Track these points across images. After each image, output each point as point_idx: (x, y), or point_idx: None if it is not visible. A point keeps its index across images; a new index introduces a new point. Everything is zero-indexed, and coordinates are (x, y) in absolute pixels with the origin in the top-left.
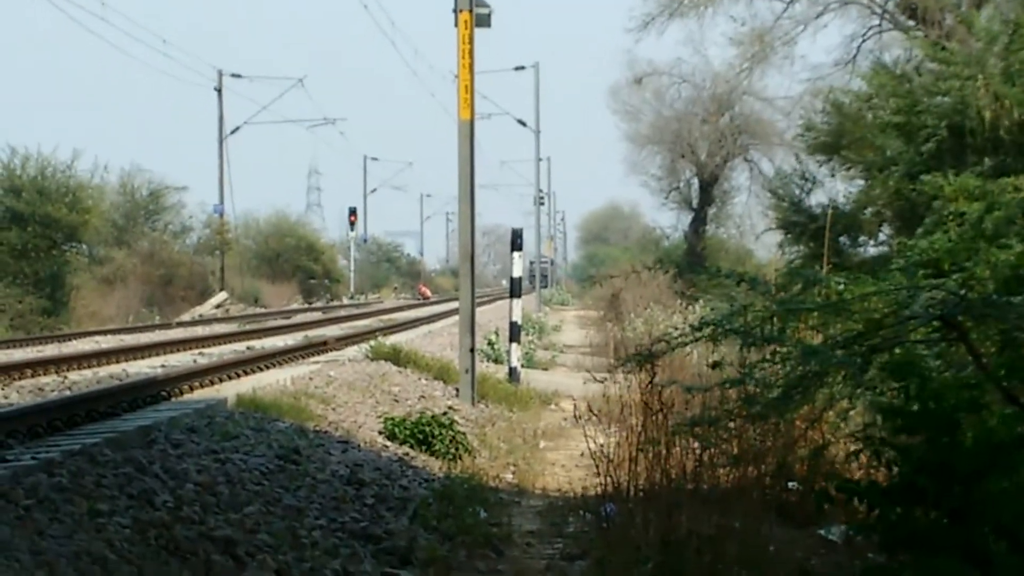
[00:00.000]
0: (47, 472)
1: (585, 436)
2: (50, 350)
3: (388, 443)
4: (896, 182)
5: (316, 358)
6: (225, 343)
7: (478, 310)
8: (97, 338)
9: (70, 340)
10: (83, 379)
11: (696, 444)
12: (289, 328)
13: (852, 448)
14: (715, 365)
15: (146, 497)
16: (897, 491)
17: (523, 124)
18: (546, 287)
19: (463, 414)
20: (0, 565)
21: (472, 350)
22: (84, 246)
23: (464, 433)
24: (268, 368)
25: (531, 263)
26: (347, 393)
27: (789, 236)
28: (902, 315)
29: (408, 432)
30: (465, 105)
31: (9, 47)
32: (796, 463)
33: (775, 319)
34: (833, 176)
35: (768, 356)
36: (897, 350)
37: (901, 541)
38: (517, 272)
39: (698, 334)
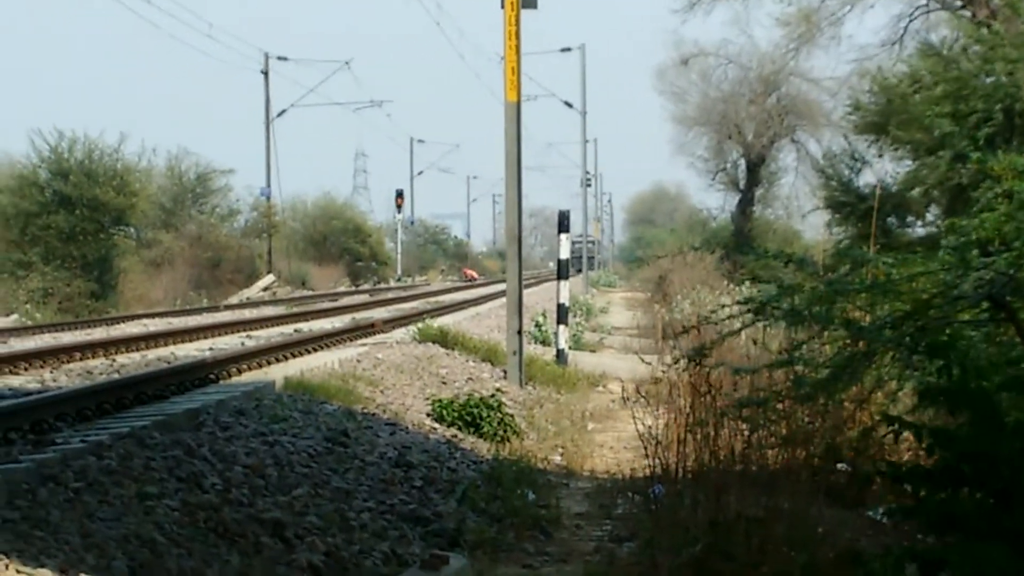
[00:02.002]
0: (96, 455)
1: (633, 418)
2: (98, 333)
3: (436, 425)
4: (945, 163)
5: (363, 340)
6: (273, 326)
7: (525, 292)
8: (145, 321)
9: (118, 323)
10: (131, 362)
11: (744, 425)
12: (336, 310)
13: (893, 430)
14: (762, 345)
15: (195, 480)
16: (940, 474)
17: (569, 106)
18: (592, 269)
19: (511, 396)
20: (51, 548)
21: (519, 332)
22: (132, 229)
23: (512, 415)
24: (316, 351)
25: (574, 243)
26: (395, 375)
27: (837, 216)
28: (950, 295)
29: (456, 414)
30: (512, 87)
31: (57, 32)
32: (844, 444)
33: (823, 300)
34: (881, 156)
35: (815, 336)
36: (946, 331)
37: (945, 524)
38: (564, 254)
39: (744, 307)
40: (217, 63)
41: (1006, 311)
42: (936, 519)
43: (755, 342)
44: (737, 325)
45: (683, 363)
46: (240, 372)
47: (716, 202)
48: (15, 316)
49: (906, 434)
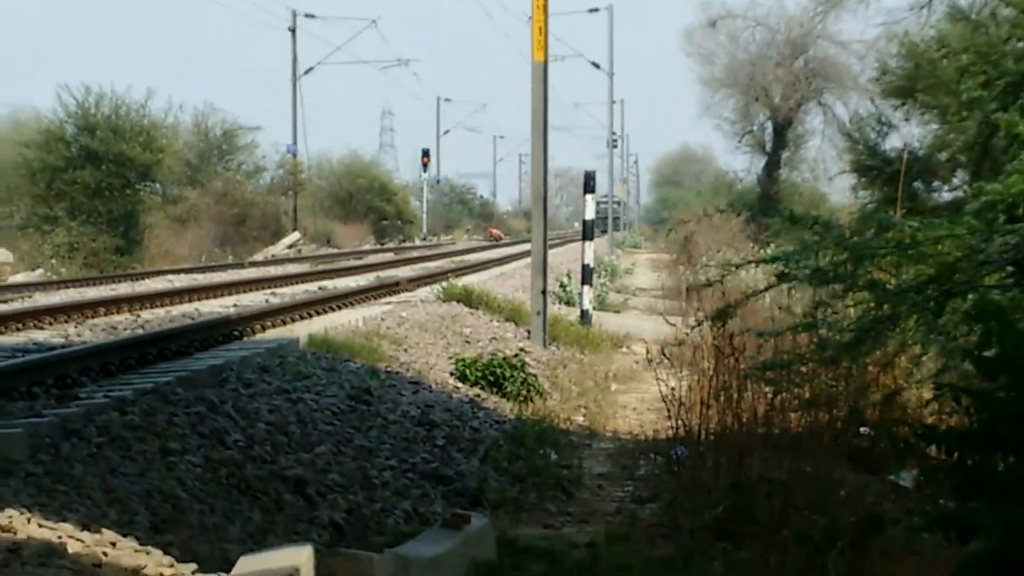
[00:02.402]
0: (119, 410)
1: (657, 379)
2: (123, 289)
3: (459, 384)
4: (974, 128)
5: (388, 299)
6: (297, 283)
7: (550, 252)
8: (170, 277)
9: (143, 279)
10: (155, 318)
11: (768, 388)
12: (361, 269)
13: (927, 394)
14: (786, 308)
15: (217, 436)
16: (975, 437)
17: (596, 66)
18: (618, 230)
19: (534, 356)
20: (73, 502)
21: (544, 292)
22: (158, 185)
23: (535, 375)
24: (340, 308)
25: (599, 203)
26: (419, 334)
27: (863, 180)
28: (976, 259)
29: (479, 374)
30: (539, 47)
31: None
32: (868, 408)
33: (847, 261)
34: (908, 120)
35: (839, 298)
36: (970, 295)
37: (977, 488)
38: (589, 214)
39: (771, 280)
40: (245, 20)
41: None
42: (969, 483)
43: (780, 308)
44: (762, 286)
45: (707, 324)
46: (264, 329)
47: (742, 164)
48: (40, 271)
49: (929, 398)
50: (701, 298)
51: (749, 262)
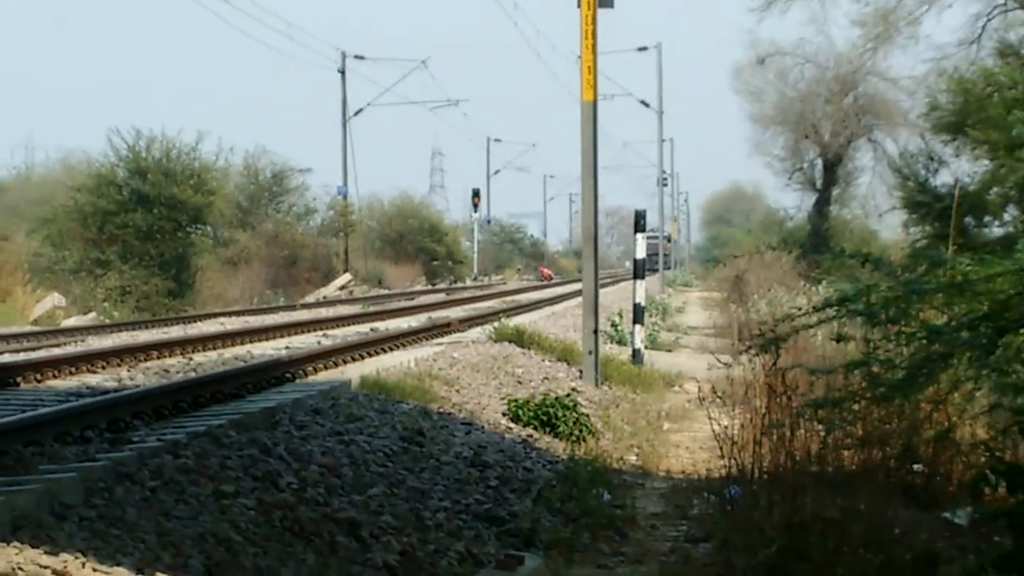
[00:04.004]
0: (173, 454)
1: (709, 418)
2: (175, 331)
3: (512, 425)
4: None
5: (439, 339)
6: (349, 325)
7: (601, 291)
8: (222, 319)
9: (195, 322)
10: (208, 360)
11: (820, 426)
12: (412, 310)
13: (981, 431)
14: (839, 339)
15: (271, 479)
16: None
17: (646, 105)
18: (669, 268)
19: (587, 396)
20: (127, 546)
21: (596, 331)
22: (209, 228)
23: (588, 415)
24: (392, 350)
25: (649, 241)
26: (471, 375)
27: (914, 216)
28: None
29: (532, 414)
30: (588, 86)
31: (134, 32)
32: (921, 445)
33: (899, 300)
34: (958, 156)
35: (892, 336)
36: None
37: None
38: (640, 253)
39: (821, 315)
40: (295, 63)
41: None
42: None
43: (832, 337)
44: (813, 329)
45: (758, 360)
46: (316, 371)
47: (792, 201)
48: (93, 314)
49: (983, 435)
50: (753, 339)
51: (803, 314)
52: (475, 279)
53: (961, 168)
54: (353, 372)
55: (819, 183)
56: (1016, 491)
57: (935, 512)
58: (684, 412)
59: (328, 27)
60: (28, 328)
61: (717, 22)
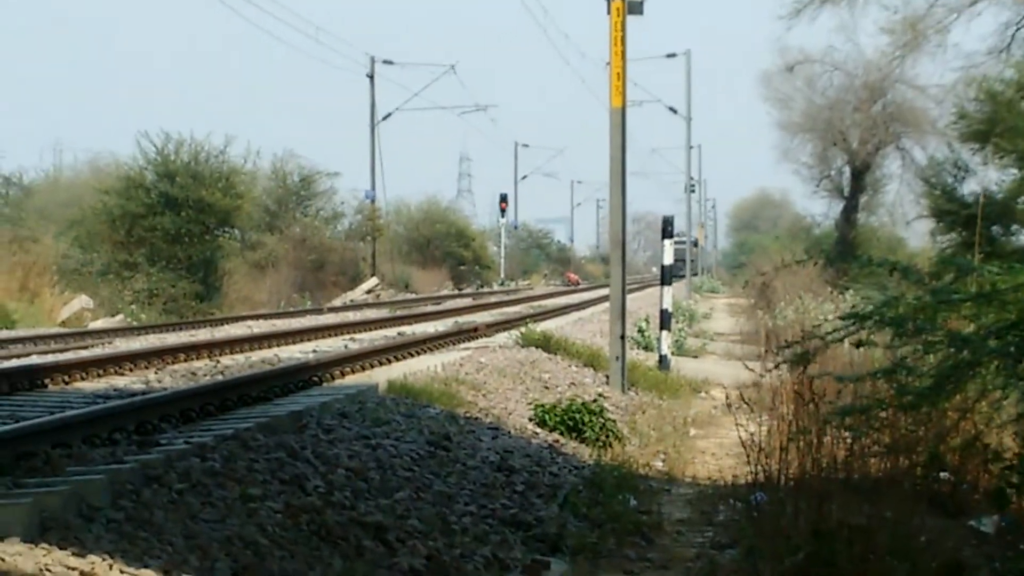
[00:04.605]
0: (200, 456)
1: (736, 424)
2: (203, 334)
3: (538, 430)
4: None
5: (466, 344)
6: (376, 329)
7: (628, 297)
8: (249, 323)
9: (222, 325)
10: (235, 364)
11: (847, 433)
12: (439, 314)
13: (1008, 439)
14: (859, 344)
15: (298, 482)
16: None
17: (674, 111)
18: (696, 274)
19: (613, 401)
20: (154, 549)
21: (622, 337)
22: (236, 231)
23: (614, 420)
24: (419, 354)
25: (677, 247)
26: (497, 379)
27: (941, 224)
28: None
29: (558, 419)
30: (617, 93)
31: (161, 35)
32: (948, 453)
33: (927, 309)
34: (986, 164)
35: (920, 346)
36: None
37: None
38: (668, 259)
39: (850, 328)
40: (325, 67)
41: None
42: None
43: (858, 345)
44: (841, 334)
45: (785, 369)
46: (343, 375)
47: (820, 209)
48: (120, 316)
49: (1010, 443)
50: (780, 350)
51: (833, 330)
52: (502, 284)
53: (989, 177)
54: (380, 376)
55: (847, 190)
56: None
57: (961, 520)
58: (710, 418)
59: (358, 32)
60: (56, 330)
61: (746, 30)
